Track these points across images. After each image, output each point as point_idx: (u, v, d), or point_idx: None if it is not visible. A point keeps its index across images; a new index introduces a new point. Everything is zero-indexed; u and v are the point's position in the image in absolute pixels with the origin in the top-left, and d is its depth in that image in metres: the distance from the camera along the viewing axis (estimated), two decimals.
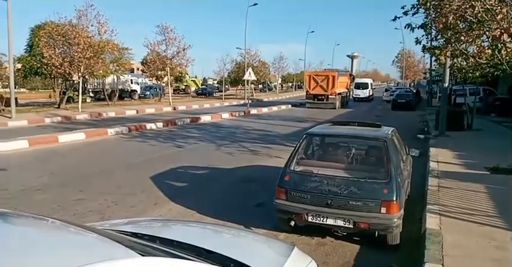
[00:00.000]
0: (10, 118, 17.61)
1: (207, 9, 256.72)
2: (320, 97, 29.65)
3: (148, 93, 38.18)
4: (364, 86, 40.14)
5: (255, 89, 49.23)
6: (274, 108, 28.67)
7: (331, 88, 29.39)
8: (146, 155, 10.42)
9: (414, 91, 37.93)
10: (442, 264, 3.76)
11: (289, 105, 31.45)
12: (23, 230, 1.78)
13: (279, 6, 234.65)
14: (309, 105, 29.86)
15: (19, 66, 26.57)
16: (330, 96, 29.38)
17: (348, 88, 35.08)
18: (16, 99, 20.55)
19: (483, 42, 8.10)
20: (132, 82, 36.68)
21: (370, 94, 40.35)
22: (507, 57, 7.64)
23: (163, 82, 33.92)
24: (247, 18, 38.29)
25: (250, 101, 29.52)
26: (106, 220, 4.08)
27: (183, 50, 29.26)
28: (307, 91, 31.04)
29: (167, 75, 30.67)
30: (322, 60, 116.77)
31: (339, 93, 30.58)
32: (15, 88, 20.71)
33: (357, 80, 42.58)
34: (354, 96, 38.61)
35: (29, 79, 31.84)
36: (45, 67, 23.92)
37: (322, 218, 4.49)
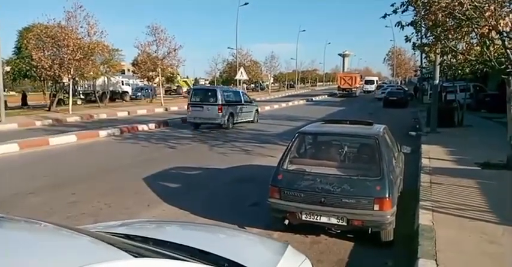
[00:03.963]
0: (0, 121, 17.42)
1: (198, 9, 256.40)
2: (347, 90, 48.67)
3: (139, 94, 37.99)
4: (371, 82, 54.90)
5: (247, 89, 49.23)
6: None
7: (354, 84, 48.85)
8: (139, 156, 10.38)
9: (407, 89, 38.47)
10: (436, 260, 3.79)
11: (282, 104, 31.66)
12: (15, 234, 1.76)
13: (269, 5, 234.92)
14: (339, 94, 48.31)
15: (8, 68, 26.29)
16: (353, 89, 48.75)
17: (359, 84, 52.16)
18: (5, 102, 20.34)
19: (472, 39, 8.20)
20: (123, 84, 36.45)
21: (376, 88, 51.50)
22: (495, 54, 7.75)
23: (155, 83, 33.83)
24: (238, 18, 38.29)
25: None
26: (99, 223, 4.06)
27: (174, 51, 29.19)
28: (338, 86, 50.58)
29: (158, 75, 30.56)
30: (313, 59, 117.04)
31: (357, 87, 49.70)
32: (4, 91, 20.48)
33: (366, 78, 58.71)
34: (364, 89, 52.83)
35: (19, 82, 31.50)
36: (34, 69, 23.72)
37: (315, 216, 4.50)
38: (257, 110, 19.45)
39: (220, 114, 16.02)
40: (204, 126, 16.65)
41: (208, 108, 16.06)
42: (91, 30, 22.14)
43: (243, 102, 17.95)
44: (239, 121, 17.43)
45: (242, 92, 19.90)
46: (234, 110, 16.98)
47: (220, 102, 16.09)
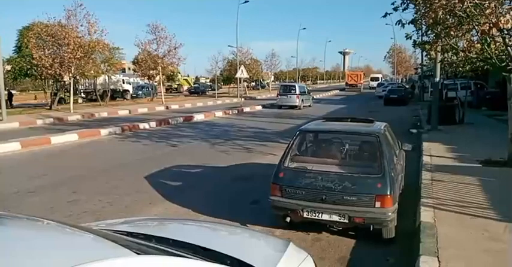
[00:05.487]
0: (1, 120, 17.43)
1: (198, 7, 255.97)
2: (353, 85, 58.81)
3: (140, 92, 37.94)
4: (376, 79, 59.81)
5: (247, 87, 49.19)
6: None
7: (359, 80, 59.85)
8: (140, 155, 10.39)
9: (407, 86, 38.45)
10: (437, 257, 3.79)
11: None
12: (19, 231, 1.77)
13: (270, 3, 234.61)
14: (347, 89, 57.33)
15: (8, 67, 26.27)
16: (358, 85, 58.74)
17: (363, 81, 62.03)
18: (6, 101, 20.34)
19: (472, 36, 8.18)
20: (124, 82, 36.44)
21: (377, 85, 56.97)
22: (496, 51, 7.72)
23: (156, 82, 33.79)
24: (238, 16, 38.30)
25: (243, 99, 29.78)
26: (101, 220, 4.07)
27: (175, 49, 29.20)
28: (346, 82, 61.70)
29: (159, 74, 30.54)
30: (314, 57, 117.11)
31: (361, 83, 59.60)
32: (5, 90, 20.48)
33: (372, 75, 67.58)
34: (369, 86, 58.40)
35: (19, 80, 31.51)
36: (35, 68, 23.71)
37: (317, 214, 4.51)
38: (312, 98, 29.77)
39: (298, 100, 25.99)
40: (285, 107, 25.99)
41: (290, 96, 26.12)
42: (91, 28, 22.10)
43: (306, 93, 28.03)
44: (304, 105, 26.77)
45: (306, 87, 31.32)
46: (303, 98, 26.74)
47: (298, 92, 26.13)
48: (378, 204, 4.29)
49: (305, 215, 4.56)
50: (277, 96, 27.41)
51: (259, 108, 27.32)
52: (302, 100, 26.38)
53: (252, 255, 2.17)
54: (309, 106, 27.58)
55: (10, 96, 27.73)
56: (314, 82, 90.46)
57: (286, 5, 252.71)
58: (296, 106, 25.75)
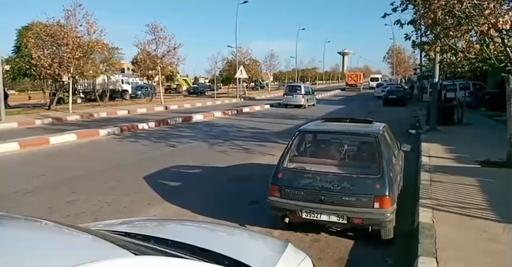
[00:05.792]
0: (0, 120, 17.39)
1: (198, 7, 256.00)
2: (353, 85, 61.51)
3: (139, 92, 37.84)
4: (376, 79, 61.02)
5: (247, 87, 49.18)
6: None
7: (359, 80, 62.71)
8: (139, 155, 10.37)
9: (406, 87, 38.54)
10: (436, 258, 3.79)
11: None
12: (16, 232, 1.76)
13: (269, 3, 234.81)
14: (347, 89, 59.49)
15: (7, 67, 26.22)
16: (358, 85, 61.27)
17: (363, 81, 64.67)
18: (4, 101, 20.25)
19: (471, 37, 8.19)
20: (123, 82, 36.35)
21: (376, 86, 58.49)
22: (495, 52, 7.74)
23: (155, 82, 33.76)
24: (237, 16, 38.31)
25: (242, 99, 29.87)
26: (99, 221, 4.06)
27: (174, 49, 29.20)
28: (346, 82, 64.85)
29: (158, 74, 30.52)
30: (313, 58, 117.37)
31: (361, 83, 62.20)
32: (3, 90, 20.42)
33: (372, 76, 68.97)
34: (369, 86, 59.08)
35: (18, 80, 31.42)
36: (34, 68, 23.65)
37: (316, 214, 4.51)
38: (316, 98, 31.11)
39: (303, 99, 27.29)
40: (291, 106, 27.14)
41: (296, 96, 27.45)
42: (90, 28, 22.06)
43: (311, 93, 29.46)
44: (309, 104, 28.11)
45: (310, 87, 32.39)
46: (308, 97, 28.08)
47: (303, 92, 27.54)
48: (376, 205, 4.29)
49: (304, 216, 4.55)
50: (283, 96, 28.83)
51: (258, 108, 27.29)
52: (307, 99, 27.63)
53: (250, 256, 2.16)
54: (313, 105, 28.72)
55: (5, 97, 27.40)
56: (313, 82, 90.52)
57: (286, 5, 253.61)
58: (301, 105, 26.97)
